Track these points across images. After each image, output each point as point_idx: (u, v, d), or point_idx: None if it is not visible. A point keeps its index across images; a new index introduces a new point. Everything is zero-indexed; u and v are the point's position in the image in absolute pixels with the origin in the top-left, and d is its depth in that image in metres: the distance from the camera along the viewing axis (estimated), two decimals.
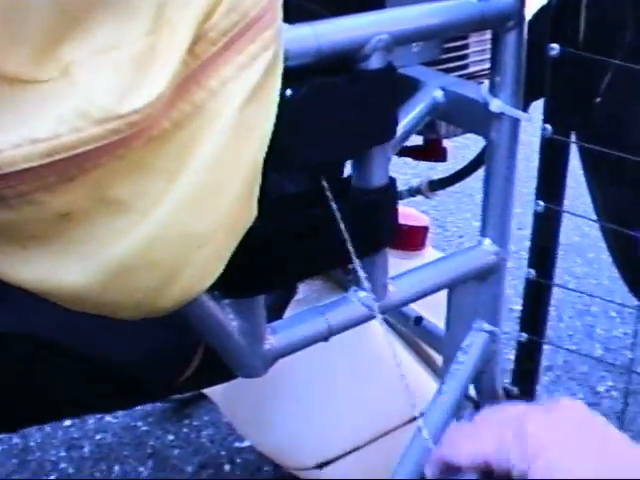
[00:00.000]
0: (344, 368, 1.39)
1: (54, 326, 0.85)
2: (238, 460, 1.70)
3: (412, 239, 1.42)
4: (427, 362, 1.47)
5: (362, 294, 0.95)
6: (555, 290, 2.12)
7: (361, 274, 0.90)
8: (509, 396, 1.18)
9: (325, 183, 0.85)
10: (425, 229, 1.45)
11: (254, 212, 0.66)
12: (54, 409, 0.95)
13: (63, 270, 0.55)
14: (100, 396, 0.94)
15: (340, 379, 1.39)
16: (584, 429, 0.61)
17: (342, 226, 0.85)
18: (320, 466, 1.39)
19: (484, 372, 1.15)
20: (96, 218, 0.54)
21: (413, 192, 1.30)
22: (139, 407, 1.83)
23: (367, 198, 0.90)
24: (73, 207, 0.53)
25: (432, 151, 1.29)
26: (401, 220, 1.35)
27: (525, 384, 1.15)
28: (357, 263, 0.87)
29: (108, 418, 1.81)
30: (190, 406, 1.83)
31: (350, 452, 1.39)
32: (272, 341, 0.91)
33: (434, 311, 1.24)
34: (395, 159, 1.19)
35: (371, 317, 0.96)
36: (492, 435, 0.64)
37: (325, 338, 0.95)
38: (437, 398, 1.13)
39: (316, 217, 0.86)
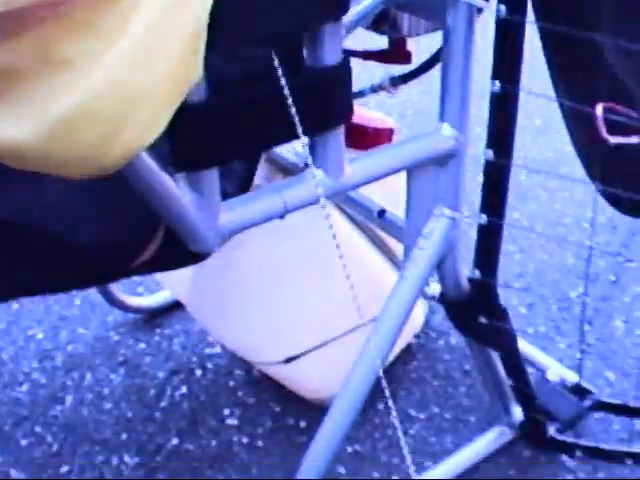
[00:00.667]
0: (312, 264, 1.39)
1: (11, 205, 0.86)
2: (209, 365, 1.71)
3: (378, 141, 1.42)
4: (392, 260, 1.48)
5: (318, 173, 0.96)
6: (527, 202, 2.13)
7: (306, 152, 0.90)
8: (472, 283, 1.19)
9: (276, 58, 0.84)
10: (391, 131, 1.44)
11: (199, 72, 0.66)
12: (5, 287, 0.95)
13: (7, 126, 0.56)
14: (54, 274, 0.94)
15: (308, 275, 1.40)
16: None
17: (290, 100, 0.84)
18: (287, 361, 1.40)
19: (446, 259, 1.16)
20: (40, 75, 0.55)
21: (376, 88, 1.29)
22: (110, 318, 1.84)
23: (319, 75, 0.90)
24: (17, 64, 0.54)
25: (397, 54, 1.28)
26: (367, 122, 1.36)
27: (486, 267, 1.16)
28: (304, 138, 0.87)
29: (80, 330, 1.82)
30: (161, 316, 1.83)
31: (317, 347, 1.40)
32: (227, 217, 0.91)
33: (397, 206, 1.24)
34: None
35: (326, 196, 0.96)
36: None
37: (281, 215, 0.95)
38: (399, 284, 1.13)
39: (268, 92, 0.86)
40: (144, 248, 0.94)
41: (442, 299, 1.24)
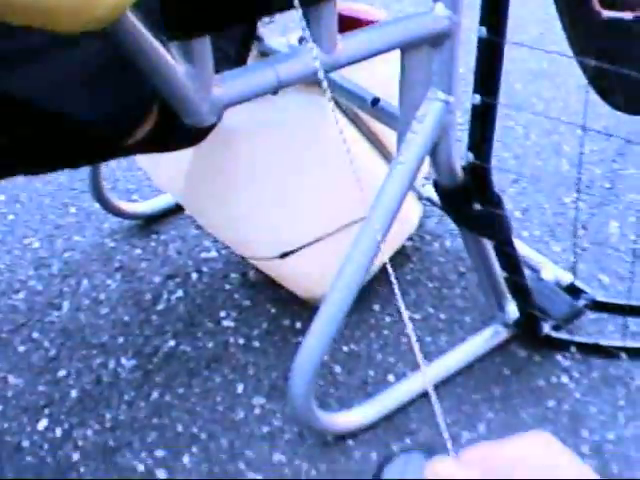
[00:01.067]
0: (307, 161, 1.39)
1: (10, 80, 0.86)
2: (205, 269, 1.72)
3: None
4: (386, 157, 1.48)
5: (311, 47, 0.95)
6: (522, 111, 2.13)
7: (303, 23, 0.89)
8: (466, 169, 1.18)
9: None
10: None
11: None
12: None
13: None
14: (50, 149, 0.94)
15: (303, 170, 1.40)
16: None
17: None
18: (282, 256, 1.40)
19: (440, 144, 1.15)
20: None
21: None
22: (106, 225, 1.84)
23: None
24: None
25: None
26: (358, 15, 1.35)
27: (480, 151, 1.15)
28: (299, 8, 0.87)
29: (76, 237, 1.82)
30: (157, 222, 1.84)
31: (312, 243, 1.41)
32: (220, 89, 0.90)
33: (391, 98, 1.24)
34: None
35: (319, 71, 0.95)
36: None
37: (274, 91, 0.95)
38: (394, 169, 1.13)
39: None
40: (139, 124, 0.94)
41: (436, 188, 1.24)
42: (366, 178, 1.21)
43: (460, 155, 1.20)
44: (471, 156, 1.16)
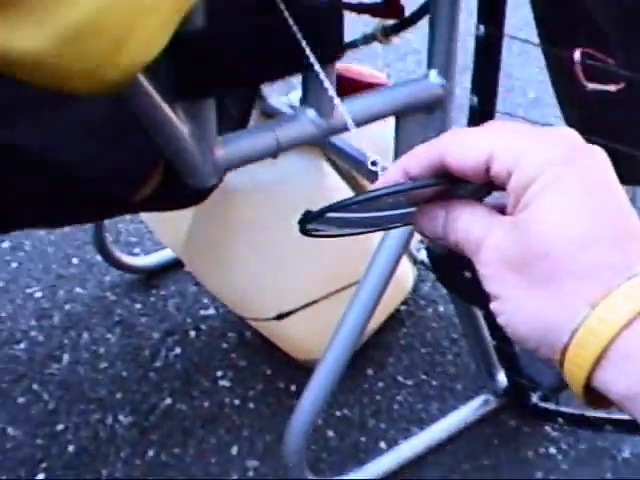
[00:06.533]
0: None
1: (11, 136, 0.88)
2: (203, 327, 1.74)
3: None
4: None
5: (310, 113, 0.98)
6: None
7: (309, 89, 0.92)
8: None
9: None
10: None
11: None
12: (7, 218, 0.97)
13: (19, 36, 0.57)
14: (55, 206, 0.96)
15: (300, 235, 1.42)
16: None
17: (296, 29, 0.87)
18: (279, 317, 1.42)
19: None
20: None
21: (368, 39, 1.31)
22: (107, 278, 1.87)
23: (314, 6, 0.92)
24: None
25: (389, 8, 1.30)
26: (360, 77, 1.38)
27: None
28: (316, 64, 0.89)
29: (78, 289, 1.85)
30: (157, 277, 1.87)
31: (308, 305, 1.43)
32: (223, 151, 0.93)
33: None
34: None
35: (318, 136, 0.99)
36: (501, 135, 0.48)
37: (274, 154, 0.98)
38: (389, 232, 1.16)
39: (266, 22, 0.88)
40: (145, 182, 0.96)
41: (429, 254, 1.26)
42: (363, 240, 1.24)
43: None
44: None
